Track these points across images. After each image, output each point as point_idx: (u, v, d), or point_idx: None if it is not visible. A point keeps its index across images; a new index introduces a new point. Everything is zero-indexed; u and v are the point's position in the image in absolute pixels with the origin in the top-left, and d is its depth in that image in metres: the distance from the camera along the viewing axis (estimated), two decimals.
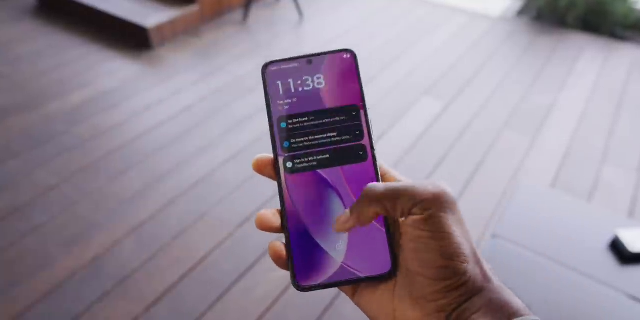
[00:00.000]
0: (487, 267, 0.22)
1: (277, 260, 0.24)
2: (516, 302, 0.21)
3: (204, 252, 1.21)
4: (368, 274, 0.23)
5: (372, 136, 0.26)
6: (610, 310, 0.73)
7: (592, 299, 0.74)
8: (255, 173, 1.41)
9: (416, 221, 0.22)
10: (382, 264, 0.23)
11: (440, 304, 0.21)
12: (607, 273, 0.78)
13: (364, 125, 0.26)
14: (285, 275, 1.16)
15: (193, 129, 1.66)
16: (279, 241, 0.24)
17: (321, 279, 0.23)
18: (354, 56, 0.27)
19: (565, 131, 1.74)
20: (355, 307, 1.12)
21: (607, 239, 0.83)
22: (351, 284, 0.24)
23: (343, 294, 1.11)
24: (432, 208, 0.22)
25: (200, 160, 1.51)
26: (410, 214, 0.22)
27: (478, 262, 0.22)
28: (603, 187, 1.49)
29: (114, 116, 1.69)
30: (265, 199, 1.38)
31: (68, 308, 1.06)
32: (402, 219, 0.23)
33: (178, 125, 1.66)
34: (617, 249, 0.81)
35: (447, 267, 0.21)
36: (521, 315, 0.20)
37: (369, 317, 0.24)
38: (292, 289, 1.12)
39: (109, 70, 1.94)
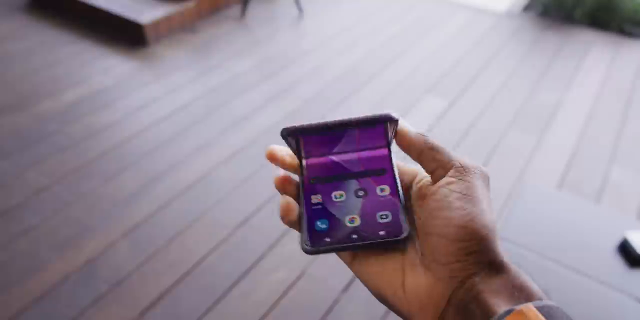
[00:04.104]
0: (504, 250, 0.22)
1: (285, 216, 0.24)
2: (534, 285, 0.21)
3: (200, 255, 1.18)
4: (380, 239, 0.23)
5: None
6: (619, 314, 0.72)
7: (599, 302, 0.73)
8: (253, 174, 1.36)
9: (450, 182, 0.22)
10: (396, 230, 0.23)
11: (453, 267, 0.20)
12: (615, 276, 0.77)
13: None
14: (284, 278, 1.13)
15: (189, 128, 1.62)
16: (292, 198, 0.25)
17: (331, 241, 0.23)
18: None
19: (573, 130, 1.70)
20: (356, 312, 1.07)
21: (615, 241, 0.83)
22: (362, 248, 0.23)
23: (343, 298, 1.08)
24: (469, 175, 0.22)
25: (196, 161, 1.48)
26: (442, 176, 0.22)
27: (498, 239, 0.21)
28: (611, 188, 1.45)
29: (108, 115, 1.66)
30: (263, 199, 1.35)
31: (61, 312, 1.03)
32: (428, 183, 0.24)
33: (174, 125, 1.63)
34: (626, 252, 0.80)
35: (467, 228, 0.20)
36: (539, 299, 0.20)
37: (370, 287, 0.23)
38: (292, 293, 1.10)
39: (103, 67, 1.90)
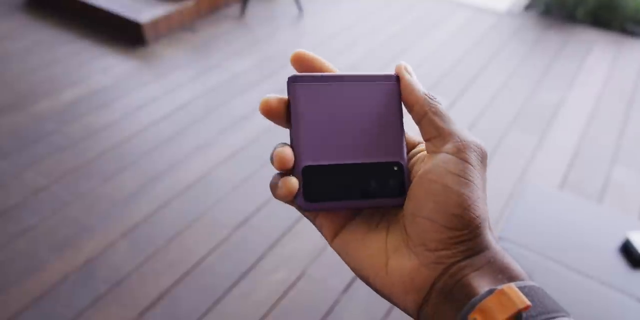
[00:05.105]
0: (494, 234, 0.22)
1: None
2: (517, 267, 0.20)
3: (200, 255, 1.17)
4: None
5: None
6: (620, 315, 0.71)
7: (601, 303, 0.72)
8: (253, 174, 1.36)
9: (447, 160, 0.21)
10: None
11: (441, 254, 0.20)
12: (617, 277, 0.76)
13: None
14: (284, 278, 1.12)
15: (189, 127, 1.61)
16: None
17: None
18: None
19: (574, 130, 1.70)
20: (356, 312, 1.07)
21: (617, 241, 0.83)
22: (360, 207, 0.23)
23: (343, 299, 1.08)
24: (467, 152, 0.21)
25: (196, 161, 1.47)
26: (439, 148, 0.21)
27: (489, 225, 0.21)
28: (613, 188, 1.45)
29: (106, 115, 1.65)
30: (263, 199, 1.34)
31: (59, 312, 1.03)
32: (423, 157, 0.23)
33: (173, 124, 1.62)
34: (628, 252, 0.80)
35: (462, 217, 0.20)
36: (522, 280, 0.20)
37: (352, 267, 0.22)
38: (292, 293, 1.09)
39: (102, 67, 1.90)
